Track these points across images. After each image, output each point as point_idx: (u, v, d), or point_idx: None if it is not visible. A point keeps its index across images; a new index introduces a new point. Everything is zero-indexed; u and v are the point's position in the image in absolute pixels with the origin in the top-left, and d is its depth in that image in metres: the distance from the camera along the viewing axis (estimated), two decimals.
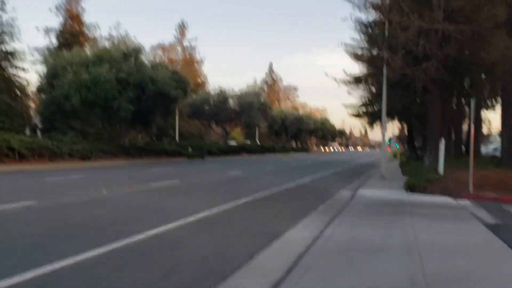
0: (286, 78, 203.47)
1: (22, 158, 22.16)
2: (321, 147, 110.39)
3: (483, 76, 23.32)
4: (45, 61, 34.83)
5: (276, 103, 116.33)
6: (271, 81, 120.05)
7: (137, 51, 33.68)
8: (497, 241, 7.14)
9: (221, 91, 55.64)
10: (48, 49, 35.88)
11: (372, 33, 22.35)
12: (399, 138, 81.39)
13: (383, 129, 21.77)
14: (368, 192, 15.00)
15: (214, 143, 50.87)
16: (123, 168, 25.09)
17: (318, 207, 11.13)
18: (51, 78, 30.90)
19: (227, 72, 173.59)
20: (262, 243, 6.85)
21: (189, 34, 78.26)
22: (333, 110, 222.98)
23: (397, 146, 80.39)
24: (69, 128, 42.73)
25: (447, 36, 18.32)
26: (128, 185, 15.15)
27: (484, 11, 17.67)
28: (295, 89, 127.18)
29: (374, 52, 22.35)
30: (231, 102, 56.71)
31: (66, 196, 11.88)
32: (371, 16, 21.13)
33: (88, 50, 33.69)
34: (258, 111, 55.89)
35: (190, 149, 39.09)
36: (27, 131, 45.36)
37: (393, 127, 63.17)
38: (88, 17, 73.11)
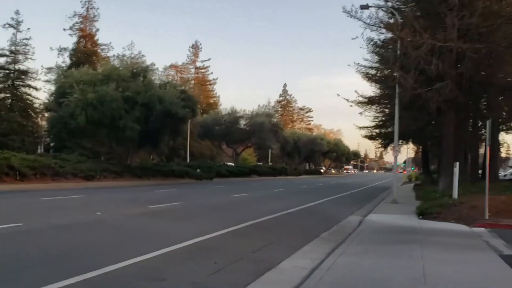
0: (301, 100, 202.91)
1: (23, 177, 21.81)
2: (332, 170, 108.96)
3: (500, 97, 22.53)
4: (54, 80, 35.01)
5: (291, 124, 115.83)
6: (285, 102, 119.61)
7: (145, 70, 33.50)
8: None
9: (232, 111, 55.36)
10: (58, 67, 36.10)
11: (383, 52, 21.82)
12: (415, 161, 79.78)
13: (396, 151, 21.01)
14: (378, 218, 14.23)
15: (224, 165, 50.23)
16: (126, 188, 24.57)
17: (322, 234, 10.41)
18: (58, 97, 30.83)
19: (240, 93, 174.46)
20: (252, 274, 6.19)
21: (202, 55, 78.65)
22: (348, 132, 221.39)
23: (413, 169, 78.60)
24: (80, 147, 42.79)
25: (461, 55, 17.70)
26: (126, 207, 14.58)
27: (500, 30, 17.04)
28: (310, 110, 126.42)
29: (386, 72, 21.77)
30: (242, 122, 56.31)
31: (57, 218, 11.35)
32: (383, 35, 20.65)
33: (98, 69, 33.65)
34: (270, 132, 55.24)
35: (198, 170, 38.56)
36: (40, 150, 45.61)
37: (408, 150, 61.99)
38: (102, 37, 74.44)
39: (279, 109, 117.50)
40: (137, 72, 32.80)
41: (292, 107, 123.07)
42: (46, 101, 40.43)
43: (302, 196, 23.57)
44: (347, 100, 26.29)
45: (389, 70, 20.67)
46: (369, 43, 21.81)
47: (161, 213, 13.42)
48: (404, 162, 63.50)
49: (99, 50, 53.43)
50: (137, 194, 21.09)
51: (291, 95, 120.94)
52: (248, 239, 9.30)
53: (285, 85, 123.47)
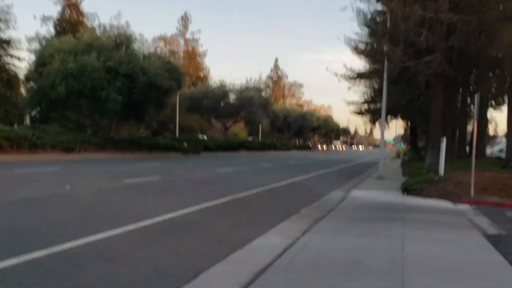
0: (292, 75, 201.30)
1: None
2: (323, 145, 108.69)
3: (490, 73, 22.10)
4: (34, 49, 33.87)
5: (281, 100, 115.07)
6: (276, 77, 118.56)
7: (129, 39, 32.37)
8: (497, 257, 6.01)
9: (221, 84, 54.38)
10: (38, 35, 34.86)
11: (373, 24, 21.17)
12: (404, 137, 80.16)
13: (382, 126, 20.63)
14: (361, 194, 13.90)
15: (213, 139, 49.54)
16: (107, 162, 23.91)
17: (302, 210, 10.04)
18: (39, 67, 29.76)
19: (232, 67, 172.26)
20: (221, 254, 5.78)
21: (192, 27, 76.99)
22: (339, 109, 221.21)
23: (402, 146, 79.08)
24: (65, 119, 41.80)
25: (452, 27, 17.14)
26: (100, 181, 14.06)
27: (492, 2, 16.47)
28: (301, 86, 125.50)
29: (375, 45, 21.14)
30: (231, 96, 55.38)
31: (21, 192, 10.80)
32: (372, 6, 19.96)
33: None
34: (259, 106, 54.48)
35: (185, 144, 37.91)
36: (27, 122, 44.57)
37: (398, 126, 61.70)
38: (88, 7, 72.06)
39: (270, 84, 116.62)
40: (121, 42, 31.62)
41: (283, 82, 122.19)
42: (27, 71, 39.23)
43: (288, 171, 23.22)
44: (335, 74, 25.79)
45: (378, 43, 20.04)
46: (359, 14, 21.18)
47: (137, 187, 12.92)
48: (394, 139, 63.58)
49: (84, 20, 51.75)
50: (116, 167, 20.53)
51: (282, 70, 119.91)
52: (224, 216, 8.88)
53: (276, 60, 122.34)
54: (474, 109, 12.88)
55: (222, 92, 53.88)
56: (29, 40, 38.28)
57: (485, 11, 16.08)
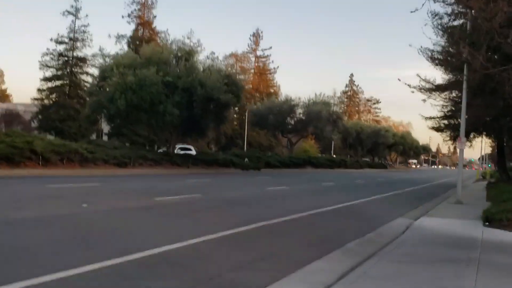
0: (369, 92, 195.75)
1: (47, 162, 21.13)
2: (400, 164, 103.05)
3: None
4: (97, 64, 34.69)
5: (357, 115, 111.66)
6: (351, 92, 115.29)
7: (189, 53, 32.09)
8: None
9: (287, 99, 52.86)
10: (101, 50, 35.78)
11: (450, 28, 18.67)
12: (492, 157, 73.46)
13: (461, 143, 17.94)
14: (431, 222, 11.63)
15: (275, 155, 47.92)
16: (156, 177, 23.08)
17: (347, 244, 8.11)
18: (100, 81, 30.31)
19: (304, 84, 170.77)
20: None
21: (264, 43, 76.78)
22: (420, 126, 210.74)
23: (489, 166, 72.26)
24: (136, 135, 42.61)
25: None
26: (126, 199, 12.98)
27: None
28: (377, 101, 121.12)
29: (452, 49, 18.59)
30: (298, 111, 53.67)
31: (30, 210, 9.91)
32: (449, 7, 17.54)
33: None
34: (327, 121, 52.19)
35: (246, 160, 36.78)
36: (93, 136, 46.27)
37: (485, 145, 56.12)
38: (161, 25, 74.21)
39: (345, 99, 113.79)
40: (181, 56, 31.46)
41: (358, 97, 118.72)
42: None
43: (351, 192, 21.12)
44: (408, 85, 23.27)
45: (456, 48, 17.51)
46: (434, 17, 18.76)
47: (163, 207, 11.69)
48: (480, 158, 58.40)
49: (157, 37, 53.08)
50: (159, 183, 19.52)
51: (357, 85, 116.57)
52: (238, 249, 7.22)
53: (351, 75, 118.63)
54: None
55: (288, 107, 52.37)
56: (93, 56, 39.59)
57: None
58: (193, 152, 37.30)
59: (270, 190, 18.94)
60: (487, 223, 11.25)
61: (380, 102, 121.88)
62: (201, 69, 32.12)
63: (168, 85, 28.93)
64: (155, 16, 55.14)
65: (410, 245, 8.55)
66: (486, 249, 8.13)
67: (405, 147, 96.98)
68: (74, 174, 21.59)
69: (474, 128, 30.64)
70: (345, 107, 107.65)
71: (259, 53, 74.96)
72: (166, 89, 28.81)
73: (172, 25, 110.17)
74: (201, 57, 35.19)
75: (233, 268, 5.93)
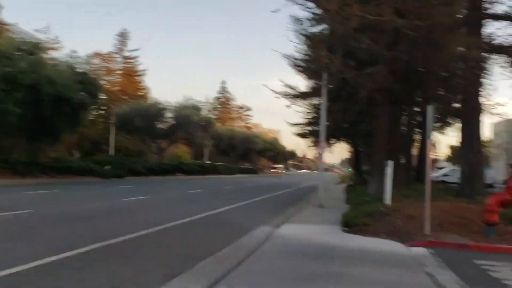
0: (242, 99, 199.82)
1: None
2: (270, 169, 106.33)
3: (437, 89, 20.32)
4: None
5: (229, 122, 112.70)
6: (224, 99, 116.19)
7: (36, 47, 28.30)
8: None
9: (155, 102, 50.50)
10: None
11: (311, 34, 18.85)
12: (351, 161, 79.49)
13: (321, 148, 18.16)
14: (292, 230, 11.08)
15: (143, 161, 45.14)
16: None
17: (201, 262, 6.98)
18: None
19: (175, 90, 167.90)
20: None
21: (133, 45, 73.01)
22: (289, 133, 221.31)
23: (349, 169, 78.09)
24: None
25: (397, 36, 15.02)
26: None
27: (440, 7, 14.51)
28: (248, 109, 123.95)
29: (312, 54, 18.75)
30: (167, 116, 51.49)
31: None
32: (308, 10, 17.56)
33: None
34: (198, 126, 51.02)
35: (107, 167, 33.68)
36: None
37: (345, 150, 60.06)
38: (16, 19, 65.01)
39: (218, 106, 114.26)
40: (26, 49, 27.56)
41: (230, 104, 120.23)
42: None
43: (218, 199, 20.25)
44: (273, 91, 23.33)
45: (315, 52, 17.65)
46: (295, 22, 18.80)
47: None
48: (340, 163, 62.50)
49: (4, 29, 46.65)
50: None
51: (229, 92, 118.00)
52: (63, 279, 5.66)
53: (223, 81, 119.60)
54: (427, 124, 10.48)
55: (156, 110, 49.92)
56: None
57: (433, 17, 14.06)
58: None
59: (126, 201, 17.00)
60: (346, 228, 11.04)
61: (250, 109, 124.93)
62: (51, 66, 28.36)
63: (8, 80, 24.82)
64: (3, 7, 48.54)
65: (268, 258, 7.72)
66: (346, 259, 7.62)
67: (274, 153, 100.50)
68: None
69: (333, 133, 32.12)
70: (218, 114, 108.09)
71: (126, 53, 71.12)
72: (7, 84, 24.61)
73: (37, 22, 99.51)
74: (61, 55, 31.22)
75: None
